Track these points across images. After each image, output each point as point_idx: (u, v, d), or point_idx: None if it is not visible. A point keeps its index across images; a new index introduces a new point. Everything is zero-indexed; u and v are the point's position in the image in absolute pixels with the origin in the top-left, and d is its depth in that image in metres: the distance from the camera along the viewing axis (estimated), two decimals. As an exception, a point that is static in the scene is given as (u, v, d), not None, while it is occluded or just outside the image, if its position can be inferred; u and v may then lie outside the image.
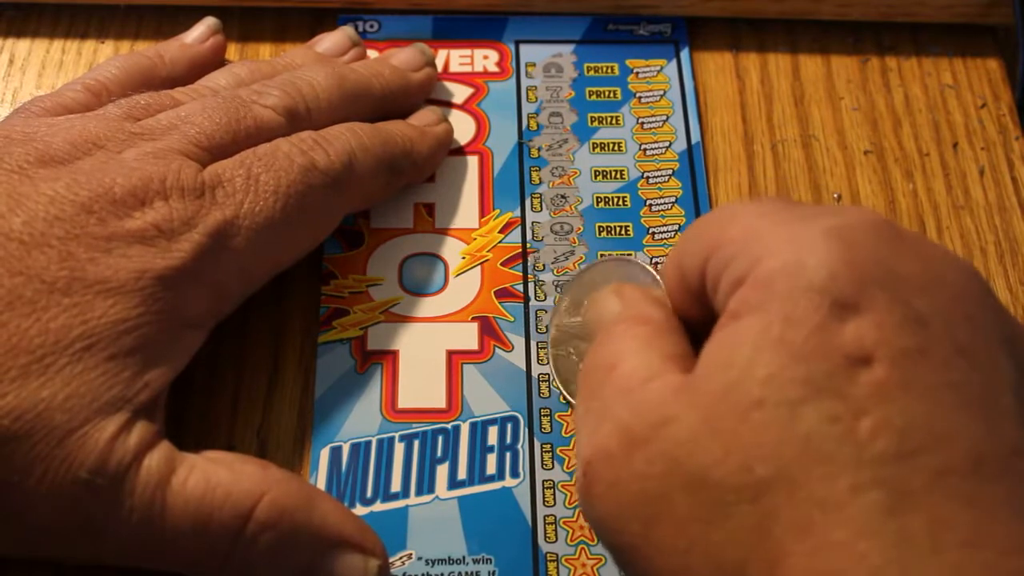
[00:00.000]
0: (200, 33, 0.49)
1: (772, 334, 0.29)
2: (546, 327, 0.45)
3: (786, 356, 0.29)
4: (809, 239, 0.30)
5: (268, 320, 0.46)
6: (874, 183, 0.50)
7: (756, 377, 0.29)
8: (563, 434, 0.43)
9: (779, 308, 0.29)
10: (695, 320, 0.35)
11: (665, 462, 0.30)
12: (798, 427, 0.28)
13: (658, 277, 0.39)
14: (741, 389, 0.29)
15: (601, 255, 0.47)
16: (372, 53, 0.52)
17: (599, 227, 0.48)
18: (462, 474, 0.42)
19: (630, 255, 0.44)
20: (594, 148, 0.51)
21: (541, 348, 0.45)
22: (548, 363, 0.43)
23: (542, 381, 0.44)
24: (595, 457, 0.32)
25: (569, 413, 0.42)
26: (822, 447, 0.28)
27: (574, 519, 0.42)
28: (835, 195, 0.50)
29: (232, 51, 0.53)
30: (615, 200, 0.49)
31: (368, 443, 0.43)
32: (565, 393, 0.42)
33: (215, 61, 0.49)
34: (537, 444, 0.43)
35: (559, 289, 0.46)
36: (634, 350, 0.34)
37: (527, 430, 0.43)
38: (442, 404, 0.44)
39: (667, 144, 0.51)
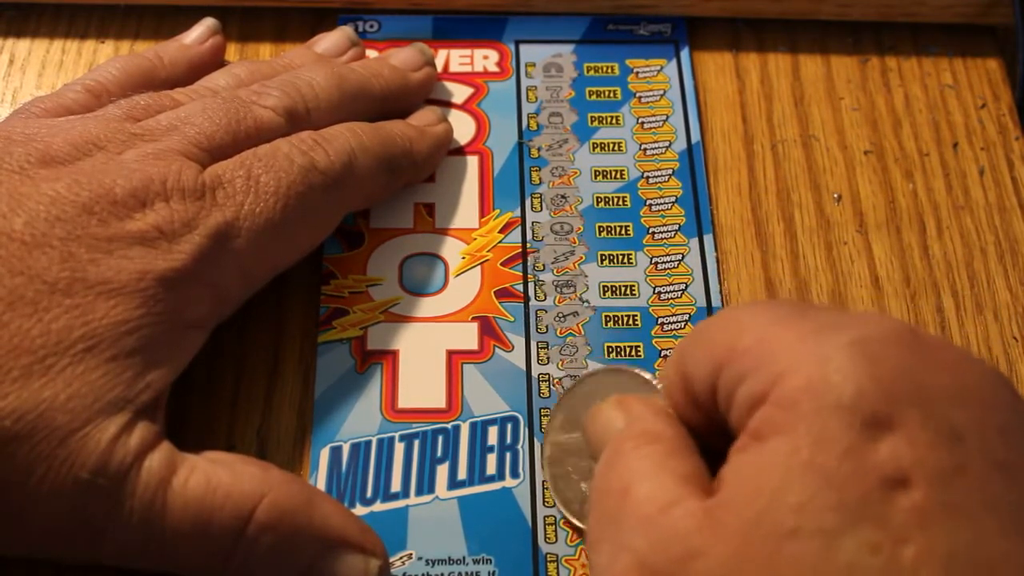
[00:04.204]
0: (199, 34, 0.49)
1: (802, 457, 0.28)
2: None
3: (819, 481, 0.28)
4: (832, 354, 0.29)
5: (268, 320, 0.46)
6: (874, 183, 0.50)
7: (788, 504, 0.28)
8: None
9: (807, 429, 0.28)
10: (700, 430, 0.34)
11: None
12: (838, 558, 0.27)
13: (657, 385, 0.38)
14: (773, 518, 0.28)
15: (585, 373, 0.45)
16: (372, 53, 0.52)
17: (599, 227, 0.48)
18: (462, 474, 0.42)
19: (623, 367, 0.43)
20: (594, 148, 0.51)
21: (541, 348, 0.45)
22: (546, 482, 0.42)
23: (542, 381, 0.44)
24: None
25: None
26: None
27: (574, 519, 0.42)
28: (835, 195, 0.50)
29: (232, 51, 0.53)
30: (615, 200, 0.49)
31: (368, 443, 0.43)
32: (567, 514, 0.41)
33: (214, 62, 0.49)
34: (537, 444, 0.43)
35: (558, 288, 0.46)
36: (647, 472, 0.32)
37: (527, 430, 0.43)
38: (442, 404, 0.44)
39: (667, 144, 0.51)
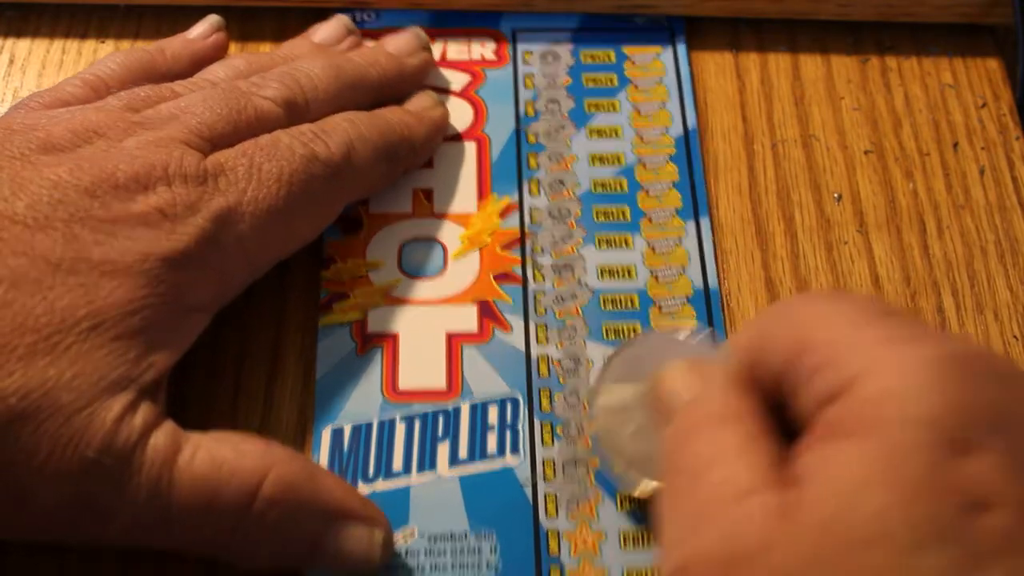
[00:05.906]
0: (203, 30, 0.50)
1: (880, 466, 0.27)
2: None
3: (897, 492, 0.27)
4: (917, 367, 0.28)
5: (269, 304, 0.46)
6: (874, 183, 0.50)
7: (864, 512, 0.27)
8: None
9: (887, 438, 0.28)
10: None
11: None
12: (914, 572, 0.26)
13: (725, 352, 0.35)
14: (848, 523, 0.27)
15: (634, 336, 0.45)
16: (369, 44, 0.52)
17: (597, 211, 0.49)
18: (463, 453, 0.43)
19: (680, 330, 0.42)
20: (591, 134, 0.51)
21: (540, 330, 0.45)
22: (593, 432, 0.42)
23: (541, 362, 0.45)
24: (691, 563, 0.30)
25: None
26: None
27: (573, 495, 0.42)
28: (835, 195, 0.50)
29: (232, 51, 0.53)
30: (612, 184, 0.49)
31: (369, 424, 0.43)
32: (621, 464, 0.40)
33: (216, 58, 0.49)
34: (537, 423, 0.43)
35: (557, 271, 0.47)
36: (725, 455, 0.31)
37: (527, 410, 0.43)
38: (443, 385, 0.44)
39: (663, 129, 0.51)
